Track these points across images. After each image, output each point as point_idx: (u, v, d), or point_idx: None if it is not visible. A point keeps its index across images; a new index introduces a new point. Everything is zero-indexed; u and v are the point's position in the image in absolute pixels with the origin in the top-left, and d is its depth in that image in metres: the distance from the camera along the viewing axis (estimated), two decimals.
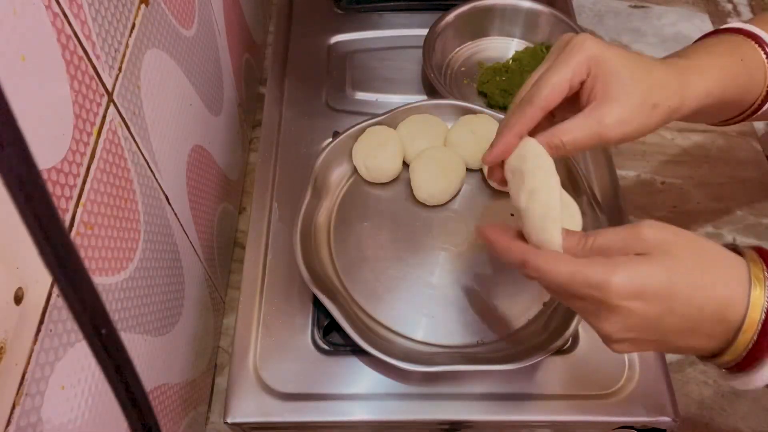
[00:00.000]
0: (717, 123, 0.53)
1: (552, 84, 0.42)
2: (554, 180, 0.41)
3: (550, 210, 0.40)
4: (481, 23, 0.80)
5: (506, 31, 0.81)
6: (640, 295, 0.36)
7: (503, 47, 0.80)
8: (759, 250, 0.38)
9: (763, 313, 0.35)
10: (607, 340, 0.39)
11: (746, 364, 0.37)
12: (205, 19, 0.65)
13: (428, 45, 0.74)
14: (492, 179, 0.48)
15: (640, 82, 0.42)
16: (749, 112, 0.50)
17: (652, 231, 0.37)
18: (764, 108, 0.49)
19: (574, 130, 0.42)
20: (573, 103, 0.44)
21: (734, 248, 0.39)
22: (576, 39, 0.43)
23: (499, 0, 0.78)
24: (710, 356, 0.40)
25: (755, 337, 0.36)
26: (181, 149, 0.58)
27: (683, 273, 0.36)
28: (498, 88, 0.73)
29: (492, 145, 0.44)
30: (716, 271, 0.37)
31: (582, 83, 0.43)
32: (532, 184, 0.41)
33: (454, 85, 0.77)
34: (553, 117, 0.46)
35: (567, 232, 0.40)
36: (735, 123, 0.52)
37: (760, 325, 0.36)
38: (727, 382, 0.40)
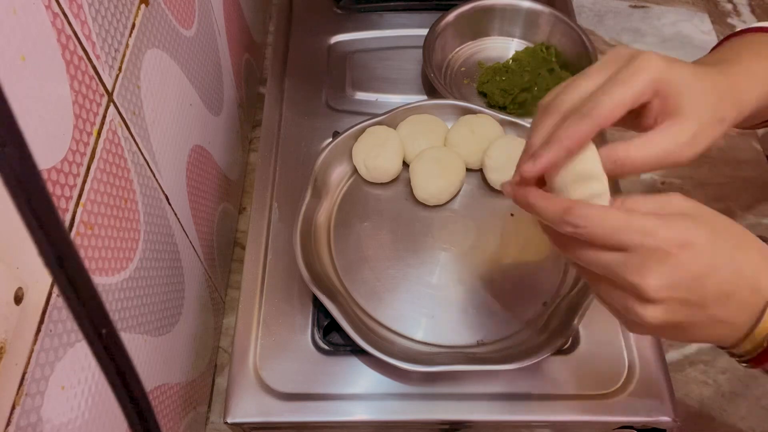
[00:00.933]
0: (746, 126, 0.51)
1: (616, 101, 0.38)
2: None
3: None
4: (481, 23, 0.80)
5: (506, 31, 0.81)
6: (691, 245, 0.35)
7: (503, 47, 0.80)
8: None
9: None
10: (645, 300, 0.36)
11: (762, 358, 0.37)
12: (205, 19, 0.65)
13: (428, 45, 0.74)
14: (515, 195, 0.42)
15: (708, 99, 0.40)
16: None
17: (683, 200, 0.37)
18: None
19: (646, 147, 0.39)
20: (621, 123, 0.41)
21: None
22: (642, 57, 0.39)
23: (499, 0, 0.78)
24: (732, 345, 0.39)
25: None
26: (181, 149, 0.58)
27: (723, 234, 0.36)
28: (498, 88, 0.73)
29: (535, 156, 0.39)
30: (749, 242, 0.37)
31: (644, 104, 0.40)
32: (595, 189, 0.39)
33: (454, 85, 0.77)
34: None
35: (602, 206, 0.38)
36: (763, 126, 0.50)
37: None
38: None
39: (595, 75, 0.40)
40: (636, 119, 0.41)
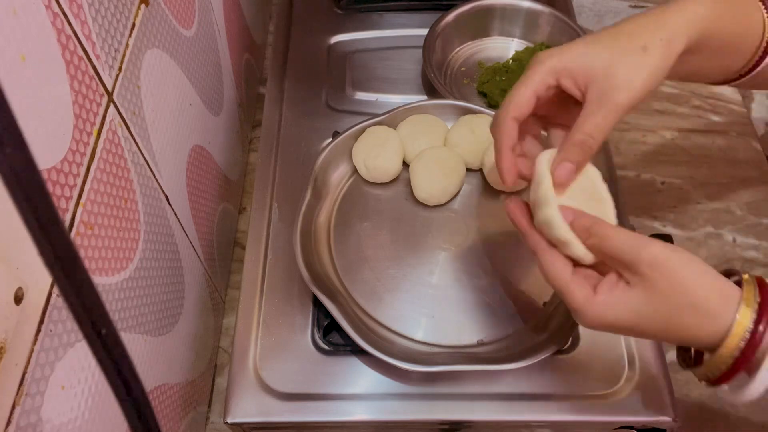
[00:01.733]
0: (718, 81, 0.51)
1: (516, 100, 0.45)
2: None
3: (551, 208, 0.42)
4: (481, 23, 0.80)
5: (506, 31, 0.81)
6: (610, 326, 0.41)
7: (503, 47, 0.80)
8: (759, 279, 0.41)
9: (747, 332, 0.37)
10: (585, 317, 0.42)
11: (729, 375, 0.39)
12: (205, 19, 0.65)
13: (428, 45, 0.74)
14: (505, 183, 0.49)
15: (612, 41, 0.43)
16: (751, 64, 0.48)
17: (651, 260, 0.39)
18: (765, 61, 0.48)
19: (591, 120, 0.43)
20: (566, 107, 0.46)
21: (731, 273, 0.42)
22: (534, 58, 0.46)
23: (499, 0, 0.78)
24: (690, 364, 0.43)
25: (741, 347, 0.37)
26: (181, 149, 0.58)
27: (653, 316, 0.39)
28: (498, 88, 0.73)
29: (500, 171, 0.48)
30: (692, 317, 0.39)
31: (556, 91, 0.45)
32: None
33: (454, 85, 0.77)
34: (547, 125, 0.49)
35: (583, 214, 0.42)
36: (737, 81, 0.51)
37: (738, 351, 0.37)
38: (724, 398, 0.42)
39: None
40: (572, 104, 0.45)
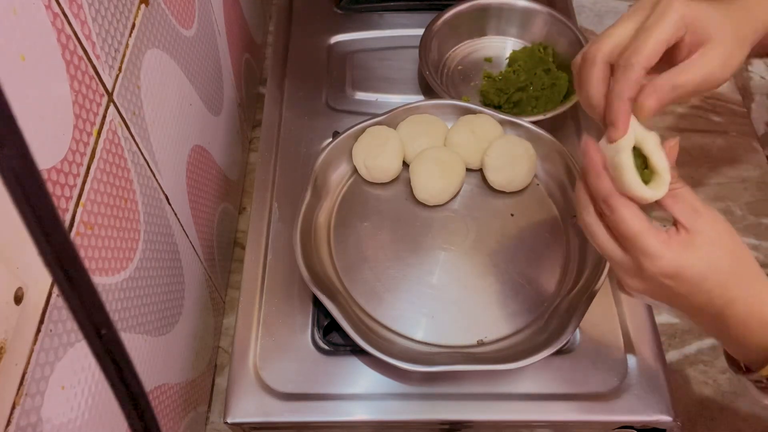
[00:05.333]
0: (763, 54, 0.54)
1: (654, 42, 0.41)
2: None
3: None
4: (477, 22, 0.80)
5: (503, 30, 0.81)
6: (676, 276, 0.40)
7: (500, 46, 0.80)
8: None
9: None
10: (627, 290, 0.43)
11: None
12: (205, 19, 0.65)
13: (424, 44, 0.74)
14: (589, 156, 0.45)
15: (730, 24, 0.43)
16: None
17: (712, 224, 0.40)
18: None
19: (689, 72, 0.42)
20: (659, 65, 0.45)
21: None
22: (665, 1, 0.42)
23: None
24: (742, 369, 0.43)
25: None
26: (181, 149, 0.58)
27: (718, 271, 0.39)
28: (493, 87, 0.73)
29: (613, 120, 0.42)
30: (752, 287, 0.40)
31: (676, 42, 0.43)
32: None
33: (450, 83, 0.77)
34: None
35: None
36: None
37: None
38: (760, 400, 0.43)
39: (626, 23, 0.43)
40: (670, 58, 0.44)
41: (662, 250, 0.39)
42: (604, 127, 0.43)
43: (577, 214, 0.44)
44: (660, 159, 0.42)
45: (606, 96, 0.42)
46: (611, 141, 0.42)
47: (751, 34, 0.44)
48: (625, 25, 0.43)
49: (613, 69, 0.43)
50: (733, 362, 0.45)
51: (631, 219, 0.40)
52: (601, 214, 0.42)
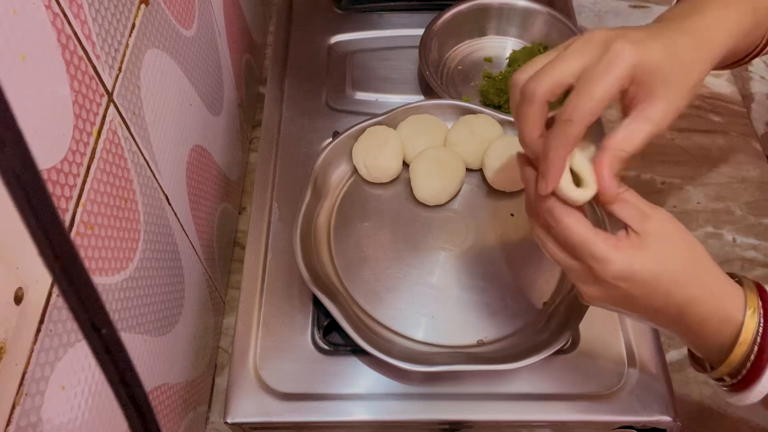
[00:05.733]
0: (717, 68, 0.50)
1: (597, 101, 0.39)
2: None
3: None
4: (477, 22, 0.80)
5: (503, 30, 0.81)
6: (630, 279, 0.39)
7: (500, 46, 0.80)
8: (757, 284, 0.41)
9: (759, 336, 0.38)
10: (586, 299, 0.43)
11: (743, 384, 0.39)
12: (205, 19, 0.65)
13: (424, 44, 0.74)
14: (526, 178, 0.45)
15: (679, 73, 0.41)
16: (753, 54, 0.50)
17: (662, 223, 0.40)
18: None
19: (633, 138, 0.40)
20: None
21: (733, 276, 0.42)
22: (616, 46, 0.39)
23: None
24: (705, 368, 0.43)
25: (752, 358, 0.38)
26: (181, 149, 0.58)
27: (671, 270, 0.39)
28: (493, 87, 0.73)
29: (545, 176, 0.41)
30: (709, 285, 0.40)
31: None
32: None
33: (450, 83, 0.77)
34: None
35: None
36: (736, 66, 0.52)
37: (756, 346, 0.38)
38: (724, 398, 0.43)
39: (570, 60, 0.40)
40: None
41: (611, 253, 0.39)
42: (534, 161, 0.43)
43: (531, 231, 0.44)
44: (585, 168, 0.41)
45: (543, 142, 0.41)
46: (542, 192, 0.41)
47: (702, 72, 0.42)
48: (569, 63, 0.40)
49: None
50: (696, 361, 0.45)
51: (576, 226, 0.40)
52: (548, 227, 0.42)
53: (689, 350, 0.46)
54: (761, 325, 0.38)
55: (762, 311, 0.39)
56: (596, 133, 0.68)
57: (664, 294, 0.39)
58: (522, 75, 0.42)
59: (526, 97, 0.41)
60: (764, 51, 0.50)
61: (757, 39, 0.48)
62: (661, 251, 0.39)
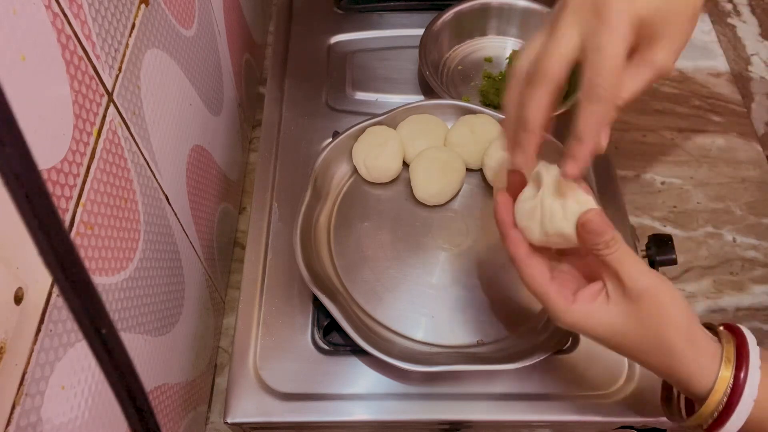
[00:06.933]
0: None
1: (614, 68, 0.37)
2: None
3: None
4: (478, 22, 0.80)
5: (503, 30, 0.81)
6: (586, 334, 0.42)
7: (500, 46, 0.80)
8: (729, 327, 0.41)
9: (725, 395, 0.39)
10: (562, 319, 0.43)
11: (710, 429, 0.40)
12: (205, 19, 0.65)
13: (424, 44, 0.74)
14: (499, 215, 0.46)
15: (678, 13, 0.38)
16: None
17: (648, 279, 0.39)
18: None
19: (632, 82, 0.38)
20: None
21: (709, 327, 0.42)
22: (609, 8, 0.36)
23: None
24: (681, 417, 0.44)
25: (721, 408, 0.39)
26: (181, 149, 0.58)
27: (627, 337, 0.40)
28: (493, 87, 0.73)
29: (575, 157, 0.39)
30: (674, 362, 0.40)
31: None
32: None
33: (450, 83, 0.77)
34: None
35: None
36: None
37: (721, 405, 0.39)
38: None
39: (567, 33, 0.38)
40: None
41: (562, 314, 0.41)
42: (526, 148, 0.42)
43: (513, 258, 0.45)
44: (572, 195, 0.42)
45: (571, 129, 0.39)
46: (572, 176, 0.40)
47: (699, 3, 0.39)
48: (567, 37, 0.38)
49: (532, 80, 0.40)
50: (667, 409, 0.46)
51: (533, 280, 0.42)
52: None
53: (662, 398, 0.46)
54: (731, 381, 0.38)
55: (736, 360, 0.39)
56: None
57: (618, 347, 0.41)
58: (524, 62, 0.41)
59: (536, 80, 0.39)
60: None
61: None
62: (615, 324, 0.40)
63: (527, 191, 0.44)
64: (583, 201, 0.41)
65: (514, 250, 0.43)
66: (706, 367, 0.39)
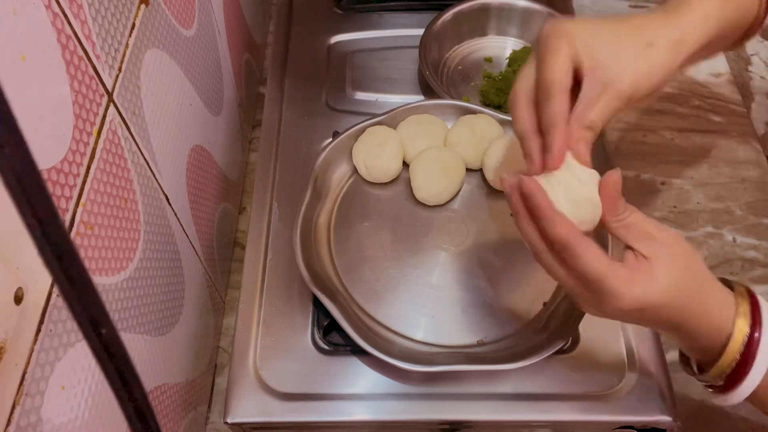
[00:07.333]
0: (727, 48, 0.52)
1: (551, 68, 0.42)
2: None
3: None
4: (478, 22, 0.80)
5: (503, 30, 0.81)
6: (639, 310, 0.40)
7: (500, 46, 0.80)
8: (748, 290, 0.42)
9: (743, 345, 0.39)
10: (592, 314, 0.43)
11: (727, 387, 0.41)
12: (205, 19, 0.65)
13: (424, 44, 0.74)
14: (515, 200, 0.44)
15: (619, 30, 0.43)
16: (753, 29, 0.49)
17: (669, 246, 0.40)
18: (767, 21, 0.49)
19: (591, 105, 0.42)
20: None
21: (727, 282, 0.43)
22: (545, 29, 0.43)
23: None
24: (696, 370, 0.44)
25: (738, 360, 0.39)
26: (181, 149, 0.58)
27: (676, 297, 0.40)
28: (493, 87, 0.73)
29: (548, 147, 0.42)
30: (705, 302, 0.41)
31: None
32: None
33: (450, 83, 0.77)
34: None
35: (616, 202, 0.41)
36: (740, 45, 0.51)
37: (738, 355, 0.39)
38: (710, 399, 0.44)
39: (529, 61, 0.45)
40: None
41: (624, 290, 0.39)
42: (534, 156, 0.43)
43: (533, 254, 0.43)
44: (582, 193, 0.42)
45: (539, 129, 0.43)
46: (554, 166, 0.42)
47: (665, 37, 0.43)
48: (528, 63, 0.45)
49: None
50: (685, 362, 0.46)
51: (593, 262, 0.39)
52: (557, 253, 0.41)
53: (680, 351, 0.47)
54: (748, 332, 0.39)
55: (751, 319, 0.40)
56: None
57: (665, 317, 0.41)
58: (522, 86, 0.45)
59: (513, 103, 0.44)
60: (757, 31, 0.49)
61: (751, 9, 0.47)
62: (668, 280, 0.39)
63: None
64: (589, 172, 0.42)
65: (567, 231, 0.39)
66: (726, 309, 0.40)
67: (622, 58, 0.42)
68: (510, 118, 0.65)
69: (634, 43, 0.42)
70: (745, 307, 0.40)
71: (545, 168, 0.42)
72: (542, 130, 0.43)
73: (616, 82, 0.42)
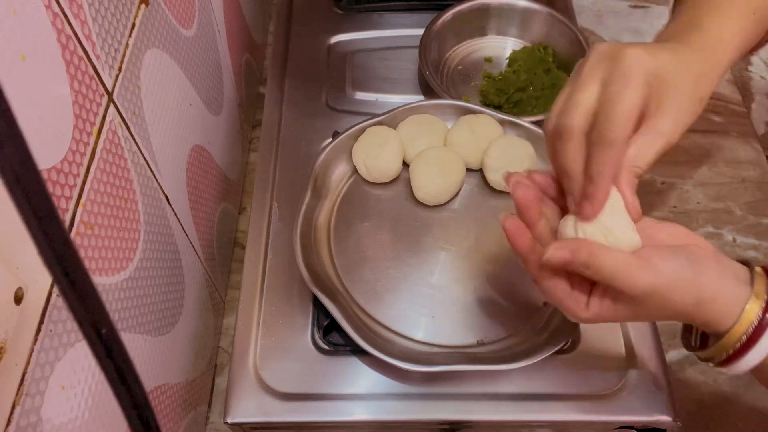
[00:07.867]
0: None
1: (626, 118, 0.38)
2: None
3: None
4: (478, 22, 0.80)
5: (503, 30, 0.81)
6: (651, 295, 0.38)
7: (500, 46, 0.80)
8: (765, 270, 0.41)
9: (751, 327, 0.38)
10: (581, 321, 0.42)
11: (733, 359, 0.40)
12: (205, 19, 0.65)
13: (424, 44, 0.74)
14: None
15: (689, 83, 0.41)
16: (755, 49, 0.50)
17: (682, 238, 0.41)
18: None
19: (646, 153, 0.41)
20: None
21: (746, 262, 0.41)
22: (628, 56, 0.39)
23: None
24: (695, 347, 0.43)
25: (749, 334, 0.38)
26: (181, 149, 0.58)
27: (682, 278, 0.39)
28: (494, 87, 0.73)
29: (591, 198, 0.40)
30: (711, 284, 0.39)
31: None
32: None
33: (450, 83, 0.77)
34: None
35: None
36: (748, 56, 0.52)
37: (745, 337, 0.38)
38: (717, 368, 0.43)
39: (589, 84, 0.40)
40: None
41: (584, 317, 0.40)
42: (576, 197, 0.41)
43: (534, 279, 0.43)
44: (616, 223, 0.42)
45: (585, 171, 0.40)
46: (588, 217, 0.40)
47: (709, 87, 0.43)
48: (589, 88, 0.40)
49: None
50: (686, 340, 0.45)
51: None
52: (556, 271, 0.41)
53: (684, 326, 0.46)
54: (763, 309, 0.38)
55: (763, 308, 0.38)
56: None
57: (671, 305, 0.39)
58: (552, 118, 0.42)
59: (565, 135, 0.40)
60: (764, 45, 0.50)
61: (758, 36, 0.48)
62: (673, 264, 0.39)
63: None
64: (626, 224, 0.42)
65: (537, 270, 0.42)
66: (736, 288, 0.39)
67: (683, 113, 0.41)
68: (510, 118, 0.66)
69: (692, 98, 0.41)
70: (761, 290, 0.39)
71: (580, 214, 0.41)
72: (586, 172, 0.40)
73: (669, 135, 0.40)
